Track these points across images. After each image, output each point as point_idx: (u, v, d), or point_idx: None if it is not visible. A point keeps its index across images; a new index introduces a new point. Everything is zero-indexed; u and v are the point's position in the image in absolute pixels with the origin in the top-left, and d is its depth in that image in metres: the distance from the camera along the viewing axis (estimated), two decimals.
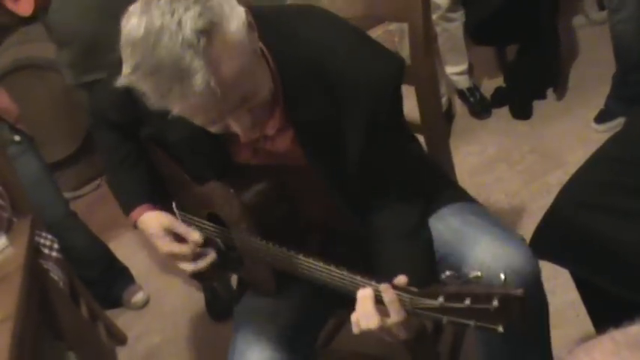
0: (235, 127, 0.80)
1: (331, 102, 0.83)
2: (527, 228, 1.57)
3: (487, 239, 0.91)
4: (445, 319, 0.72)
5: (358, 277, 0.81)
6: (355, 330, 0.80)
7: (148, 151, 1.06)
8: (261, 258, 0.94)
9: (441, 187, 1.03)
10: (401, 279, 0.79)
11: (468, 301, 0.69)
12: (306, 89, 0.83)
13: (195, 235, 0.98)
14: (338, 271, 0.83)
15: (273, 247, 0.89)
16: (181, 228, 1.00)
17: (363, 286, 0.80)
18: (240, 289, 1.11)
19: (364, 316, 0.79)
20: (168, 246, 0.99)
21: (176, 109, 0.74)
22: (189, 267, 0.98)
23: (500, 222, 0.97)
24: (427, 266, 0.92)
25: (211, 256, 0.98)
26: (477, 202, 1.04)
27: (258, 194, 0.94)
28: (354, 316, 0.80)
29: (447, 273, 0.71)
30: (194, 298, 1.89)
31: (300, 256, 0.86)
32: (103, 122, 1.05)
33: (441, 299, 0.72)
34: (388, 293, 0.78)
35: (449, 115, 2.15)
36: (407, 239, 0.91)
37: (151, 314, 1.93)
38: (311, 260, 0.85)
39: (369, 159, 0.87)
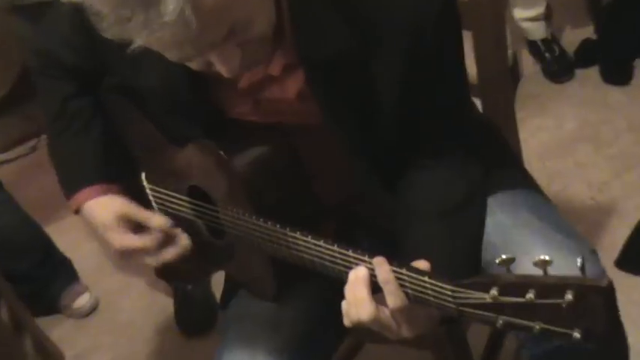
0: (220, 67, 0.81)
1: (354, 34, 0.84)
2: (617, 234, 1.60)
3: (541, 251, 0.91)
4: (500, 320, 0.72)
5: (350, 253, 0.83)
6: (346, 322, 0.83)
7: (110, 107, 1.10)
8: (258, 247, 0.96)
9: (498, 165, 1.05)
10: (420, 263, 0.81)
11: (531, 294, 0.69)
12: (321, 18, 0.85)
13: (157, 220, 1.01)
14: (326, 246, 0.85)
15: (275, 229, 0.92)
16: (142, 214, 1.03)
17: (356, 265, 0.83)
18: (228, 290, 1.15)
19: (354, 302, 0.81)
20: (124, 240, 1.02)
21: (139, 41, 0.75)
22: (151, 260, 1.02)
23: (570, 226, 0.98)
24: (468, 256, 0.94)
25: (183, 243, 1.02)
26: (542, 193, 1.06)
27: (257, 161, 0.96)
28: (344, 305, 0.82)
29: (504, 257, 0.71)
30: (159, 305, 1.91)
31: (287, 232, 0.89)
32: (51, 66, 1.06)
33: (494, 291, 0.72)
34: (381, 269, 0.80)
35: (514, 76, 2.15)
36: (446, 217, 0.93)
37: (100, 325, 1.95)
38: (297, 235, 0.88)
39: (408, 109, 0.89)
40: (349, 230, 1.02)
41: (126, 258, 1.04)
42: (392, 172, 0.97)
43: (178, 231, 1.02)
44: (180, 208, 1.09)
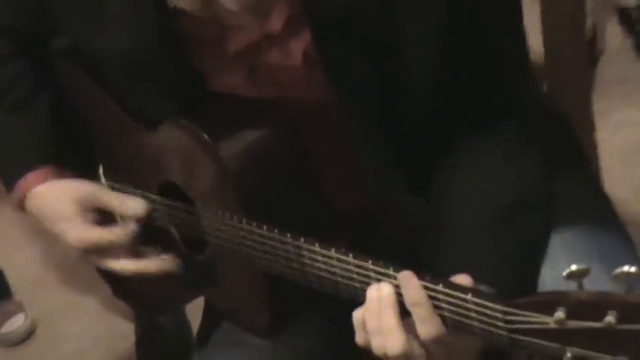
0: None
1: None
2: None
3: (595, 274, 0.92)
4: (569, 353, 0.72)
5: (370, 265, 0.84)
6: (364, 357, 0.83)
7: (58, 78, 1.11)
8: (249, 262, 0.97)
9: (564, 161, 1.04)
10: (460, 278, 0.81)
11: (611, 317, 0.68)
12: None
13: (136, 205, 1.03)
14: (339, 256, 0.87)
15: (272, 236, 0.93)
16: (111, 198, 1.05)
17: (377, 281, 0.83)
18: (209, 320, 1.16)
19: (379, 331, 0.81)
20: (87, 233, 1.04)
21: None
22: (127, 264, 1.03)
23: None
24: (521, 271, 0.94)
25: (168, 261, 1.04)
26: (622, 231, 1.03)
27: (250, 149, 0.97)
28: (361, 335, 0.82)
29: (574, 267, 0.70)
30: (115, 333, 1.92)
31: (287, 239, 0.91)
32: None
33: (560, 313, 0.71)
34: (410, 286, 0.80)
35: (593, 54, 2.13)
36: (494, 222, 0.92)
37: (37, 356, 1.99)
38: (300, 243, 0.90)
39: (446, 75, 0.89)
40: (365, 244, 0.99)
41: (89, 259, 1.05)
42: (422, 167, 0.97)
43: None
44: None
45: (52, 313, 2.01)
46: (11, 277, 2.01)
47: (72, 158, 1.12)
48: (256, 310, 1.03)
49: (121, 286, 1.26)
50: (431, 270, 0.85)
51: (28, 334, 1.98)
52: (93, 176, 1.14)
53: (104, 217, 1.05)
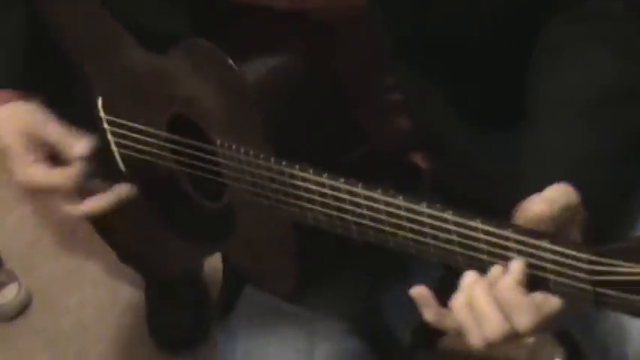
0: None
1: None
2: None
3: None
4: None
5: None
6: (482, 339, 0.81)
7: None
8: (276, 209, 0.97)
9: None
10: (537, 203, 0.81)
11: None
12: None
13: (77, 143, 1.08)
14: (387, 199, 0.86)
15: (307, 176, 0.93)
16: (53, 134, 1.08)
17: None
18: (231, 286, 1.17)
19: (514, 307, 0.80)
20: (29, 172, 1.08)
21: None
22: (72, 209, 1.10)
23: None
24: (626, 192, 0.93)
25: (120, 189, 1.11)
26: None
27: (280, 75, 0.97)
28: (486, 314, 0.80)
29: None
30: (123, 303, 1.93)
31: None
32: None
33: None
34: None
35: None
36: (595, 109, 0.92)
37: (34, 331, 1.96)
38: (342, 185, 0.90)
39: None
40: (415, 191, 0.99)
41: (35, 198, 1.13)
42: (487, 97, 0.97)
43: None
44: (154, 150, 1.10)
45: (49, 282, 1.99)
46: (1, 243, 2.01)
47: (44, 90, 1.14)
48: (282, 267, 1.04)
49: (127, 248, 1.28)
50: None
51: (23, 307, 1.98)
52: (86, 109, 1.15)
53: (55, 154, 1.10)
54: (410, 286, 0.86)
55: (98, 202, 1.11)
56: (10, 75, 1.12)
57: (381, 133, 1.02)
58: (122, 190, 1.11)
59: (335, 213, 0.92)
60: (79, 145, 1.08)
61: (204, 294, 1.88)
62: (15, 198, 2.10)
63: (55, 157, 1.10)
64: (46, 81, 1.15)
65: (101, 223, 1.25)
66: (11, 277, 2.03)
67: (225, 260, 1.20)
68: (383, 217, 0.88)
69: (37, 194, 1.11)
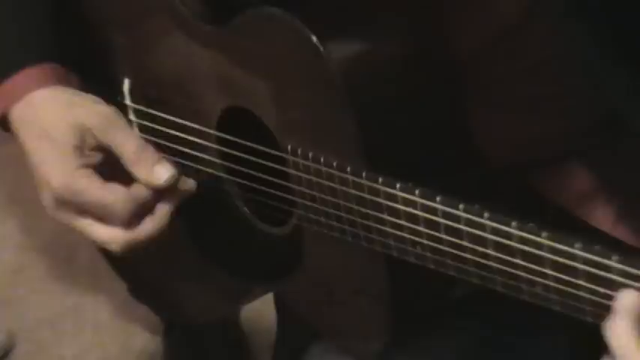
0: None
1: None
2: None
3: None
4: None
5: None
6: None
7: None
8: (368, 239, 0.97)
9: None
10: None
11: None
12: None
13: (160, 171, 1.05)
14: (528, 236, 0.86)
15: (409, 198, 0.93)
16: (127, 146, 1.06)
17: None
18: (291, 340, 1.20)
19: None
20: (84, 183, 1.05)
21: None
22: (115, 236, 1.06)
23: None
24: None
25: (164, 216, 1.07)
26: None
27: (374, 55, 0.97)
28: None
29: None
30: (133, 351, 1.95)
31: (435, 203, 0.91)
32: None
33: None
34: None
35: None
36: None
37: None
38: (462, 213, 0.90)
39: None
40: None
41: (62, 215, 1.07)
42: None
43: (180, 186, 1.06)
44: (197, 154, 1.12)
45: (37, 323, 1.98)
46: None
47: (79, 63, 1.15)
48: (368, 318, 1.05)
49: (145, 281, 1.29)
50: None
51: (3, 355, 1.96)
52: (109, 93, 1.15)
53: (107, 157, 1.07)
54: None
55: (159, 223, 1.07)
56: (45, 47, 1.12)
57: (497, 146, 1.02)
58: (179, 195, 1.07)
59: (447, 249, 0.92)
60: (163, 171, 1.05)
61: (241, 346, 1.86)
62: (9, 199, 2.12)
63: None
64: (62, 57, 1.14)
65: None
66: None
67: (281, 305, 1.22)
68: (518, 260, 0.88)
69: (67, 206, 1.05)
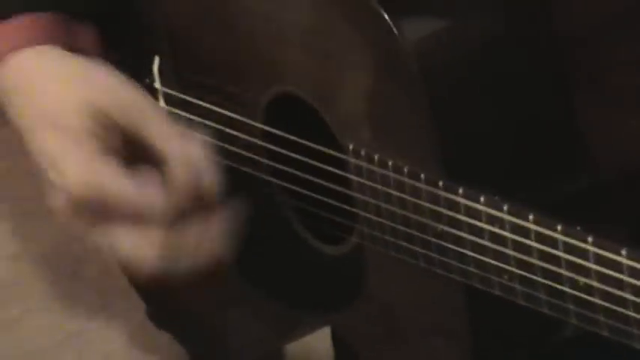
0: None
1: None
2: None
3: None
4: None
5: None
6: None
7: None
8: (439, 264, 1.00)
9: None
10: None
11: None
12: None
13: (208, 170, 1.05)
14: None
15: (497, 216, 0.94)
16: (163, 135, 1.06)
17: None
18: None
19: None
20: (111, 177, 1.05)
21: None
22: (166, 250, 1.05)
23: None
24: None
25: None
26: None
27: (457, 35, 1.00)
28: None
29: None
30: None
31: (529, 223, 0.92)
32: None
33: None
34: None
35: None
36: None
37: None
38: (563, 237, 0.91)
39: None
40: None
41: (82, 226, 1.07)
42: None
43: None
44: (239, 151, 1.16)
45: (34, 351, 2.03)
46: None
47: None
48: (444, 355, 1.07)
49: (171, 306, 1.32)
50: None
51: None
52: (135, 72, 1.16)
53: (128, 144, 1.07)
54: None
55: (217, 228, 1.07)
56: None
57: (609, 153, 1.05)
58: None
59: (541, 280, 0.94)
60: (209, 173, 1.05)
61: None
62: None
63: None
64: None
65: None
66: None
67: (338, 340, 1.23)
68: (628, 295, 0.88)
69: (91, 214, 1.05)
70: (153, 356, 2.01)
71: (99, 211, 1.05)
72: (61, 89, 1.09)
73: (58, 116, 1.08)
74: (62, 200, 1.05)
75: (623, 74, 1.04)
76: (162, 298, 1.29)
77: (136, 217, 1.04)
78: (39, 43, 1.11)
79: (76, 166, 1.05)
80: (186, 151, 1.04)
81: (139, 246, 1.05)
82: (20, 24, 1.12)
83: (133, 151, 1.07)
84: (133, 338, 2.03)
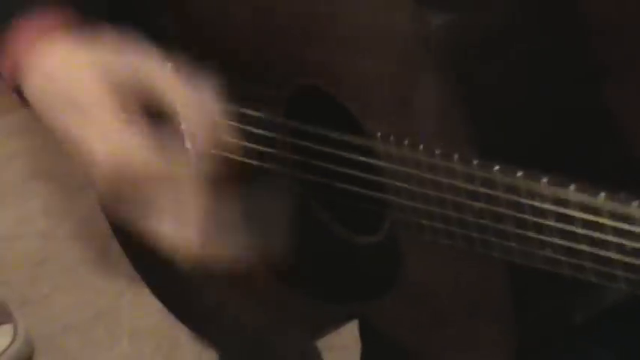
0: None
1: None
2: None
3: None
4: None
5: None
6: None
7: None
8: (486, 245, 0.98)
9: None
10: None
11: None
12: None
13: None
14: None
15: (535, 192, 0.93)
16: (177, 90, 1.06)
17: None
18: None
19: None
20: (130, 136, 1.04)
21: None
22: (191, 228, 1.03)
23: None
24: None
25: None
26: None
27: (490, 22, 0.98)
28: None
29: None
30: None
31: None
32: None
33: None
34: None
35: None
36: None
37: None
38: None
39: None
40: None
41: (115, 198, 1.06)
42: None
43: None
44: (261, 148, 1.15)
45: (63, 327, 2.03)
46: None
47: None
48: (487, 342, 1.07)
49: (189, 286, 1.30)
50: None
51: None
52: None
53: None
54: None
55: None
56: None
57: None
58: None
59: (587, 249, 0.91)
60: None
61: None
62: (19, 189, 2.14)
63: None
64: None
65: None
66: (4, 316, 2.07)
67: (366, 331, 1.24)
68: None
69: (122, 184, 1.03)
70: (182, 332, 1.99)
71: (134, 190, 1.04)
72: (77, 67, 1.08)
73: (77, 94, 1.07)
74: (100, 183, 1.04)
75: None
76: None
77: (169, 188, 1.03)
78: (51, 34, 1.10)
79: (101, 140, 1.03)
80: (197, 96, 1.04)
81: (181, 226, 1.03)
82: (53, 15, 1.10)
83: (153, 114, 1.07)
84: (163, 314, 2.02)
